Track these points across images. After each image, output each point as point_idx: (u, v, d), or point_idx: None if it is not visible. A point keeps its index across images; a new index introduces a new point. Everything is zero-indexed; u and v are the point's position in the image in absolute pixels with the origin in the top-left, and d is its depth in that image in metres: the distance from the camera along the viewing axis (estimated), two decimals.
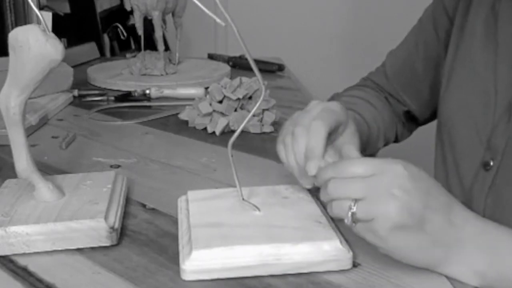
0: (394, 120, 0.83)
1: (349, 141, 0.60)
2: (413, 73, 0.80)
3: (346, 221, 0.47)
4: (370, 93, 0.83)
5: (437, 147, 0.74)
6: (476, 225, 0.49)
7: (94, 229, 0.53)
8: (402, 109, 0.83)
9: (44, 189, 0.58)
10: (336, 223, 0.56)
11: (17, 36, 0.52)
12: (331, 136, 0.58)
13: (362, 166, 0.48)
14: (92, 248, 0.54)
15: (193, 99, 0.97)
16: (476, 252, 0.48)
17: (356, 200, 0.46)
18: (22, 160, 0.57)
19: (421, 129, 0.88)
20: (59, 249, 0.53)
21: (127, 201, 0.64)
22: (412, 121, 0.85)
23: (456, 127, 0.68)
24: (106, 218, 0.55)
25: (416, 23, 0.81)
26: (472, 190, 0.64)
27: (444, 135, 0.71)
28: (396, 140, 0.85)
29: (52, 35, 0.52)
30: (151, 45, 1.47)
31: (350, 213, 0.47)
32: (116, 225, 0.55)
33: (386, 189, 0.46)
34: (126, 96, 1.09)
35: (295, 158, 0.57)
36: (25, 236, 0.52)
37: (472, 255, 0.47)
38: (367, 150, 0.75)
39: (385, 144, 0.82)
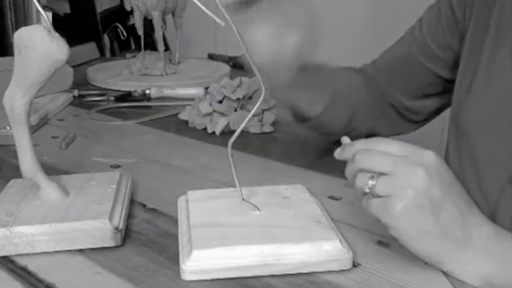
0: (374, 106, 0.81)
1: None
2: (406, 72, 0.79)
3: (365, 189, 0.47)
4: (358, 75, 0.82)
5: (454, 161, 0.70)
6: (490, 229, 0.48)
7: (99, 229, 0.53)
8: (389, 101, 0.82)
9: (49, 189, 0.58)
10: (336, 223, 0.56)
11: (22, 36, 0.52)
12: None
13: (395, 146, 0.48)
14: (92, 249, 0.54)
15: (193, 99, 0.97)
16: (486, 255, 0.47)
17: (380, 174, 0.47)
18: (27, 159, 0.57)
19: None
20: (63, 249, 0.53)
21: None
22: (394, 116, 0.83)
23: (479, 140, 0.64)
24: (110, 218, 0.54)
25: (413, 26, 0.79)
26: (498, 206, 0.61)
27: (463, 148, 0.67)
28: (375, 131, 0.83)
29: (57, 35, 0.53)
30: (151, 45, 1.47)
31: (370, 183, 0.47)
32: (121, 226, 0.55)
33: (411, 169, 0.46)
34: (126, 96, 1.09)
35: None
36: (29, 237, 0.52)
37: (482, 257, 0.47)
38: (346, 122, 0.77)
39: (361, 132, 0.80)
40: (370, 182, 0.47)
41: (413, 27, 0.79)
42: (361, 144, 0.50)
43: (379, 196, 0.47)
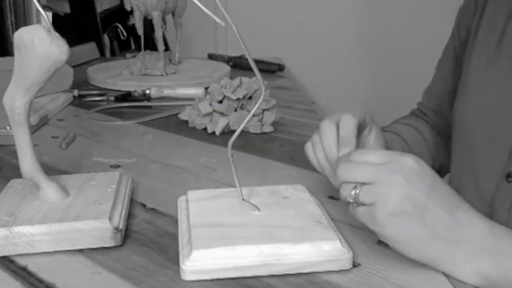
0: (442, 144, 0.82)
1: (374, 144, 0.62)
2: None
3: (349, 200, 0.48)
4: (416, 119, 0.83)
5: (453, 159, 0.72)
6: (484, 226, 0.48)
7: (99, 229, 0.53)
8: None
9: (49, 189, 0.58)
10: (336, 223, 0.56)
11: (22, 36, 0.52)
12: (358, 134, 0.58)
13: (374, 154, 0.49)
14: (92, 249, 0.54)
15: (193, 99, 0.97)
16: (481, 253, 0.47)
17: (362, 184, 0.48)
18: (27, 160, 0.57)
19: None
20: (63, 249, 0.53)
21: None
22: None
23: (474, 137, 0.66)
24: (110, 218, 0.54)
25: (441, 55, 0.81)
26: (494, 202, 0.63)
27: (460, 146, 0.69)
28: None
29: (57, 35, 0.53)
30: (151, 45, 1.47)
31: (353, 193, 0.48)
32: (121, 226, 0.55)
33: (392, 176, 0.47)
34: (126, 96, 1.09)
35: (325, 152, 0.57)
36: (29, 237, 0.52)
37: (477, 255, 0.47)
38: None
39: (440, 169, 0.81)
40: (353, 192, 0.48)
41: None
42: (345, 157, 0.51)
43: (363, 205, 0.48)
